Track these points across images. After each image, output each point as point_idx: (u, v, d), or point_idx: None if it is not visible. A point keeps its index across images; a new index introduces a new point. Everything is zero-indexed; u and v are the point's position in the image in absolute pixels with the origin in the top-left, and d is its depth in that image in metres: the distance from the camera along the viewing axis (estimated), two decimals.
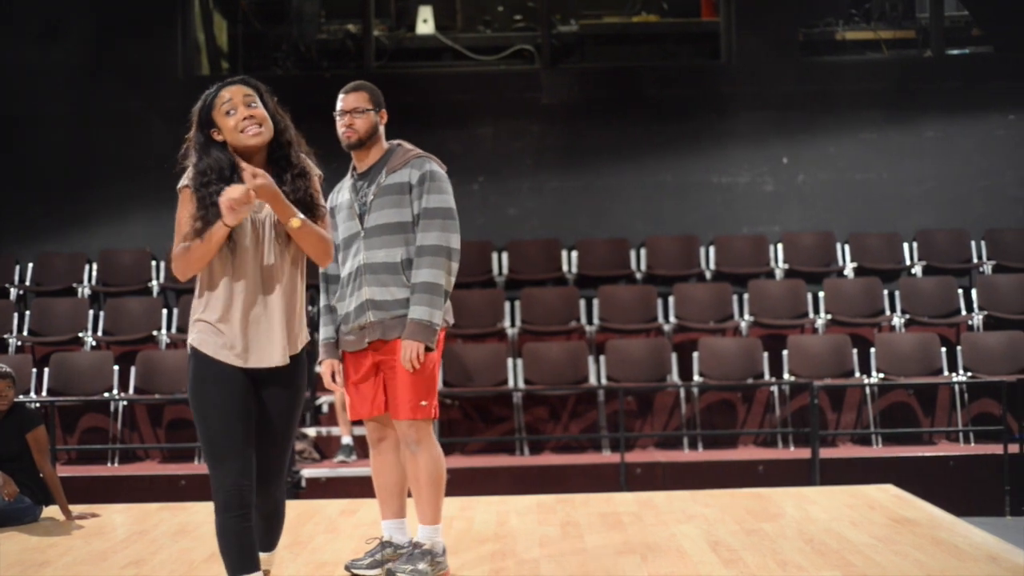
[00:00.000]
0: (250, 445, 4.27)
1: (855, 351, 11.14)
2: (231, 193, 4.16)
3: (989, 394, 11.01)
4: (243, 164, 4.33)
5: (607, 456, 10.66)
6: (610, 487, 9.69)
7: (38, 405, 10.59)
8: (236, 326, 4.32)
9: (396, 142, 5.49)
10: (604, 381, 11.19)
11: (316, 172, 4.47)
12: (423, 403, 5.25)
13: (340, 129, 5.40)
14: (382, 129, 5.43)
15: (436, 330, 5.23)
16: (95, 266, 12.69)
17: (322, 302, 5.55)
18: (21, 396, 10.68)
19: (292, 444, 4.49)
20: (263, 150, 4.39)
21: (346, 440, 10.36)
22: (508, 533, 6.40)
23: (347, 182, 5.52)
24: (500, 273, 12.73)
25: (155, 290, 12.50)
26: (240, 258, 4.32)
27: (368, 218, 5.31)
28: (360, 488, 9.77)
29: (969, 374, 11.00)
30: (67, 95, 13.17)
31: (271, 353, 4.34)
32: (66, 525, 6.95)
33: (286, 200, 4.29)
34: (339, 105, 5.41)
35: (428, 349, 5.22)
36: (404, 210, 5.28)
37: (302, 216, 4.30)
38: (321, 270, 5.46)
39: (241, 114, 4.31)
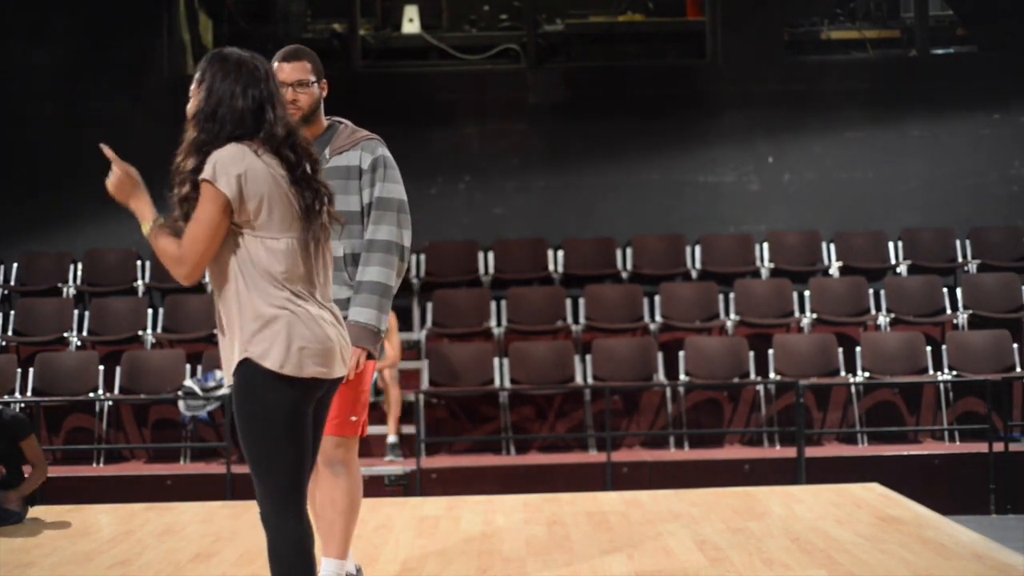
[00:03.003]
0: None
1: (840, 350, 11.16)
2: None
3: (974, 393, 11.04)
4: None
5: (593, 455, 10.66)
6: (596, 486, 9.70)
7: (23, 405, 10.57)
8: None
9: (336, 119, 4.94)
10: (590, 380, 11.19)
11: (203, 173, 3.78)
12: (352, 418, 4.72)
13: None
14: (322, 103, 4.86)
15: (381, 336, 4.75)
16: (80, 266, 12.66)
17: None
18: (6, 397, 10.66)
19: (252, 470, 3.83)
20: None
21: None
22: (495, 532, 6.40)
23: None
24: (486, 272, 12.72)
25: (140, 290, 12.46)
26: None
27: None
28: None
29: (954, 373, 11.03)
30: (53, 94, 13.14)
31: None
32: (51, 526, 6.92)
33: (142, 201, 3.89)
34: (279, 75, 4.73)
35: (370, 356, 4.72)
36: (351, 197, 4.74)
37: (155, 224, 3.84)
38: None
39: None
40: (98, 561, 5.94)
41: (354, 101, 13.55)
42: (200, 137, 3.83)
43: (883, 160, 13.20)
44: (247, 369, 3.80)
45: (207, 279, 4.02)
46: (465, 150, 13.27)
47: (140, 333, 11.71)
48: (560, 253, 12.84)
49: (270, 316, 3.80)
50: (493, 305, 12.12)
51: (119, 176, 3.89)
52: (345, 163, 4.77)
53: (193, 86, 3.90)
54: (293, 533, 3.81)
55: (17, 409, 10.39)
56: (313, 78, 4.79)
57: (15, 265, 12.66)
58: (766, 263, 12.69)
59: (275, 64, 4.78)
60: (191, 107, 3.89)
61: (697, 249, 12.79)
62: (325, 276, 3.98)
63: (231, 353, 3.84)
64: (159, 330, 11.83)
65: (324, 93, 4.85)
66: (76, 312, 12.05)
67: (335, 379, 3.93)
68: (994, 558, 5.42)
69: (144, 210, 3.87)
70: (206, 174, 3.76)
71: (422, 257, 12.80)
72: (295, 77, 4.77)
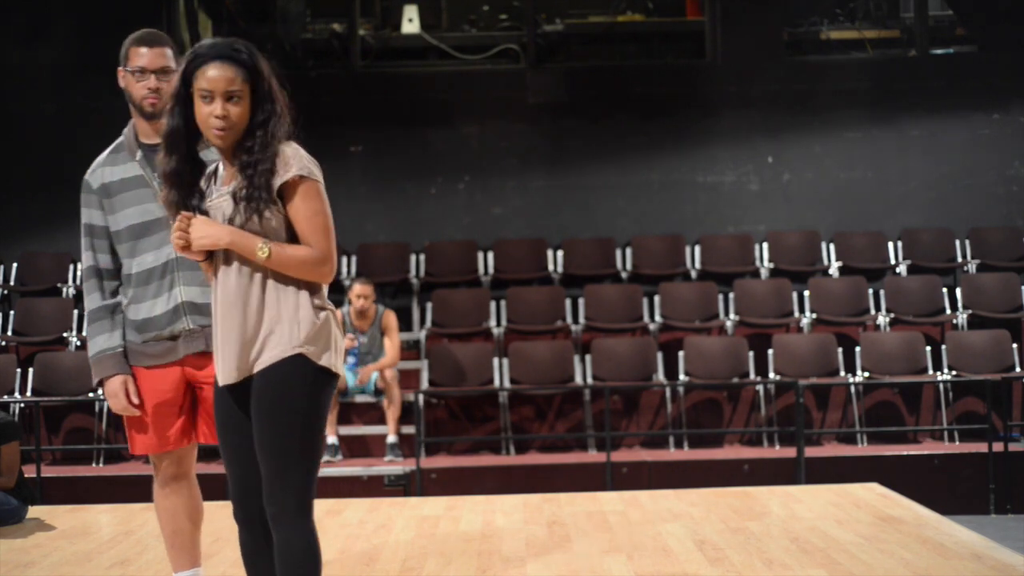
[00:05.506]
0: (240, 457, 3.85)
1: (840, 350, 11.16)
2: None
3: (973, 393, 11.04)
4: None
5: (593, 455, 10.66)
6: (596, 486, 9.70)
7: (23, 406, 10.57)
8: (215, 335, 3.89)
9: None
10: (590, 380, 11.19)
11: (293, 170, 3.72)
12: None
13: (140, 92, 4.52)
14: None
15: None
16: (80, 266, 12.64)
17: (94, 303, 4.58)
18: (6, 396, 10.66)
19: (281, 463, 3.75)
20: None
21: (331, 440, 10.34)
22: (494, 533, 6.40)
23: (123, 155, 4.75)
24: (486, 272, 12.72)
25: None
26: (216, 264, 3.85)
27: None
28: (347, 488, 9.77)
29: (954, 373, 11.03)
30: (52, 94, 13.14)
31: (223, 370, 3.79)
32: (51, 526, 6.92)
33: (242, 235, 3.71)
34: (138, 60, 4.53)
35: None
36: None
37: (267, 244, 3.70)
38: (88, 263, 4.69)
39: (216, 109, 3.69)
40: (98, 561, 5.94)
41: (354, 101, 13.62)
42: (278, 135, 3.75)
43: (883, 160, 13.21)
44: (300, 364, 3.75)
45: (222, 274, 3.88)
46: (464, 150, 13.27)
47: None
48: (560, 253, 12.84)
49: (321, 315, 3.81)
50: (493, 305, 12.12)
51: (187, 223, 3.73)
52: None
53: (249, 81, 3.74)
54: (310, 531, 3.79)
55: (17, 409, 10.42)
56: (174, 65, 4.43)
57: (15, 265, 12.65)
58: (766, 263, 12.70)
59: (129, 48, 4.58)
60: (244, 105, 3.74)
61: (697, 249, 12.80)
62: None
63: (268, 348, 3.75)
64: None
65: None
66: (76, 312, 12.03)
67: None
68: (994, 558, 5.43)
69: (246, 238, 3.72)
70: (303, 171, 3.73)
71: (422, 257, 12.81)
72: (159, 64, 4.50)
